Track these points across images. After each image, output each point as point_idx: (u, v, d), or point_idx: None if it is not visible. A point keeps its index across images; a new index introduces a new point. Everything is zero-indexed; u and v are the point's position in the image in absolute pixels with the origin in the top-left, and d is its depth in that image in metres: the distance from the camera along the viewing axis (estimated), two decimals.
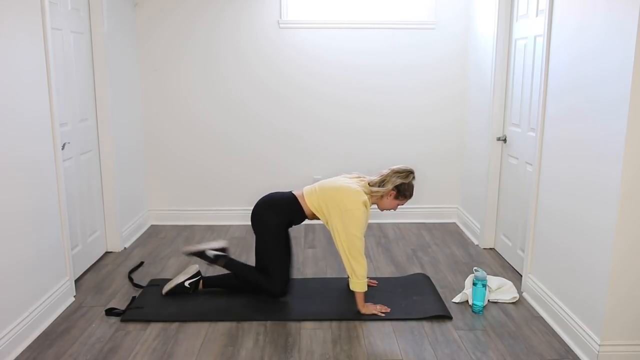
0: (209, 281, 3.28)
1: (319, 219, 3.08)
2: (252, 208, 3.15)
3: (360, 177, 3.13)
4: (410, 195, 3.07)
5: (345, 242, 2.90)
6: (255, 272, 3.15)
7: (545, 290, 3.02)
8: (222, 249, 3.21)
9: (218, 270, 3.60)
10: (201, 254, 3.17)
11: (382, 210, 3.13)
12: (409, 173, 3.04)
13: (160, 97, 4.51)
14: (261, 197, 3.19)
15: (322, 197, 3.01)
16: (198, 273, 3.24)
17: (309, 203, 3.05)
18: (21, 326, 2.65)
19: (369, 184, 3.06)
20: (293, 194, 3.11)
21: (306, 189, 3.11)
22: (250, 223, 3.17)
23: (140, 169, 4.52)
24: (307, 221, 3.18)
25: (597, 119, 2.50)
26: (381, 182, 3.04)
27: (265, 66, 4.49)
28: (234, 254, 3.93)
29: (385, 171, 3.07)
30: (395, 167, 3.07)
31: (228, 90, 4.52)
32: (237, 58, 4.47)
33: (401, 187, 3.01)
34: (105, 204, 3.90)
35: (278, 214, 3.08)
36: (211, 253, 3.17)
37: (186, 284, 3.19)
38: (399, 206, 3.10)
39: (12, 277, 2.62)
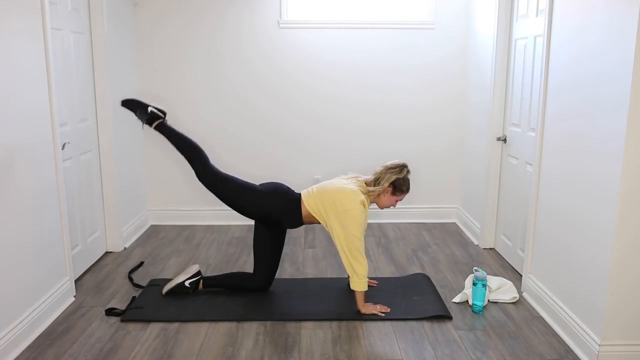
0: (209, 281, 3.27)
1: (317, 222, 3.08)
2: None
3: (356, 177, 3.13)
4: (407, 190, 3.06)
5: (344, 242, 2.89)
6: (198, 151, 3.20)
7: (545, 290, 3.02)
8: (163, 112, 3.10)
9: (219, 271, 3.62)
10: (139, 104, 3.05)
11: (381, 208, 3.12)
12: (403, 167, 3.03)
13: (160, 96, 4.50)
14: (278, 182, 3.23)
15: (320, 198, 3.01)
16: (198, 273, 3.24)
17: (307, 206, 3.04)
18: (21, 326, 2.65)
19: (365, 183, 3.06)
20: (300, 196, 3.10)
21: (304, 192, 3.11)
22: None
23: (141, 168, 4.52)
24: None
25: (597, 118, 2.50)
26: (376, 181, 3.03)
27: (266, 66, 4.49)
28: (234, 254, 3.93)
29: (379, 169, 3.06)
30: (388, 163, 3.06)
31: (229, 90, 4.52)
32: (238, 58, 4.47)
33: (397, 183, 3.01)
34: (105, 203, 3.90)
35: (270, 204, 3.08)
36: (151, 109, 3.04)
37: (186, 283, 3.19)
38: (398, 202, 3.09)
39: (12, 276, 2.63)
